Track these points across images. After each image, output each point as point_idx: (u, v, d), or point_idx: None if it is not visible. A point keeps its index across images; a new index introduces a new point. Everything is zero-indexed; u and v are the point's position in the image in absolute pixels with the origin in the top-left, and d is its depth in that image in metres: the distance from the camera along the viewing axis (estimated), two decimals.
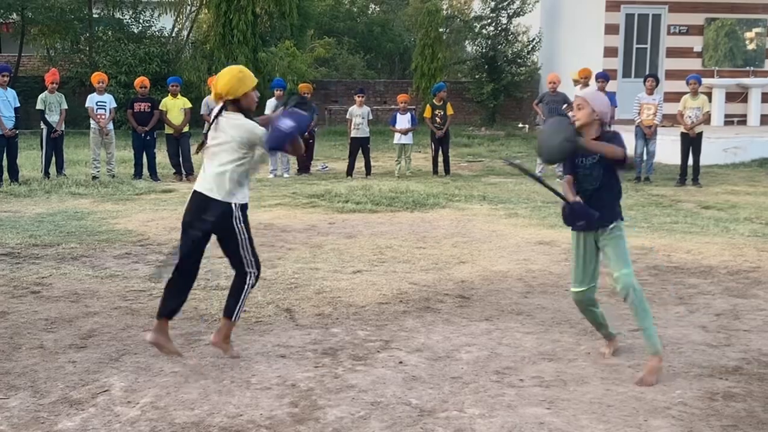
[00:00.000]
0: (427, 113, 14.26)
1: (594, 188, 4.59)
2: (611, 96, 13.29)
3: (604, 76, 13.53)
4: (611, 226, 4.59)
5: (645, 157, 13.15)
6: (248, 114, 4.56)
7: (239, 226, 4.58)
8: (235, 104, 4.51)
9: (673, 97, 15.95)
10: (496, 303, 6.03)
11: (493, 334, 5.28)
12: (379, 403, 4.14)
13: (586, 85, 13.69)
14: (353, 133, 13.95)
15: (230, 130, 4.49)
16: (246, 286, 4.69)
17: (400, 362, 4.76)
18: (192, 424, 3.87)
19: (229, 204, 4.53)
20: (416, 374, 4.56)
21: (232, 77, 4.49)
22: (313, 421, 3.91)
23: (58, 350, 4.94)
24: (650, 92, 13.13)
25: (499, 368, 4.65)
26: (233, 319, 4.72)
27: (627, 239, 4.68)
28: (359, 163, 13.91)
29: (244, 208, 4.61)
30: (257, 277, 4.75)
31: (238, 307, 4.70)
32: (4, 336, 5.20)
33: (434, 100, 14.31)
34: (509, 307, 5.93)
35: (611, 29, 19.30)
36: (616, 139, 4.50)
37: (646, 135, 13.01)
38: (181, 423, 3.88)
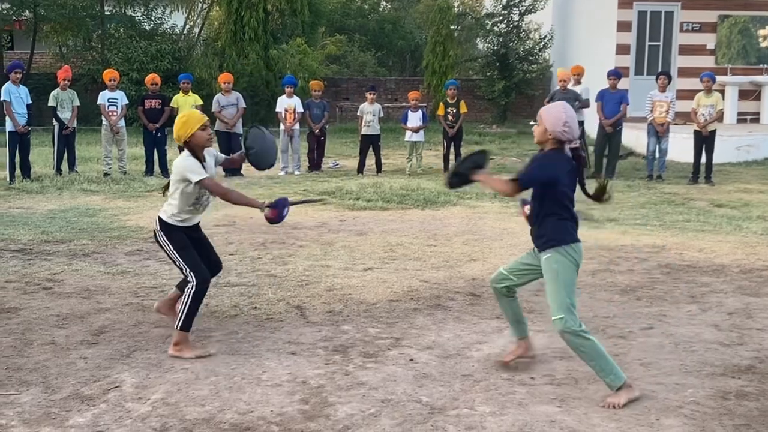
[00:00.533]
0: (440, 111, 14.23)
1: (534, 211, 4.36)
2: (623, 93, 13.27)
3: (616, 74, 13.47)
4: (545, 256, 4.23)
5: (657, 155, 13.09)
6: (200, 152, 4.92)
7: (161, 239, 4.97)
8: (187, 146, 4.91)
9: (686, 94, 15.88)
10: None
11: (504, 332, 5.26)
12: (390, 400, 4.14)
13: (578, 82, 13.66)
14: (364, 131, 13.93)
15: (174, 168, 4.98)
16: (187, 294, 4.84)
17: (411, 360, 4.75)
18: (203, 421, 3.87)
19: (158, 217, 5.00)
20: (427, 372, 4.55)
21: (177, 123, 4.93)
22: (323, 418, 3.90)
23: (69, 346, 4.96)
24: (663, 90, 13.07)
25: (510, 366, 4.63)
26: (177, 327, 4.82)
27: (567, 272, 4.15)
28: (370, 161, 13.90)
29: (168, 226, 4.95)
30: (198, 285, 4.82)
31: (179, 316, 4.82)
32: (16, 332, 5.22)
33: (447, 98, 14.26)
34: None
35: (623, 26, 19.21)
36: (532, 163, 4.27)
37: (659, 133, 12.95)
38: (191, 419, 3.89)
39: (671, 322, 5.52)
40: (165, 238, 4.94)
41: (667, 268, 7.03)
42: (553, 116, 4.22)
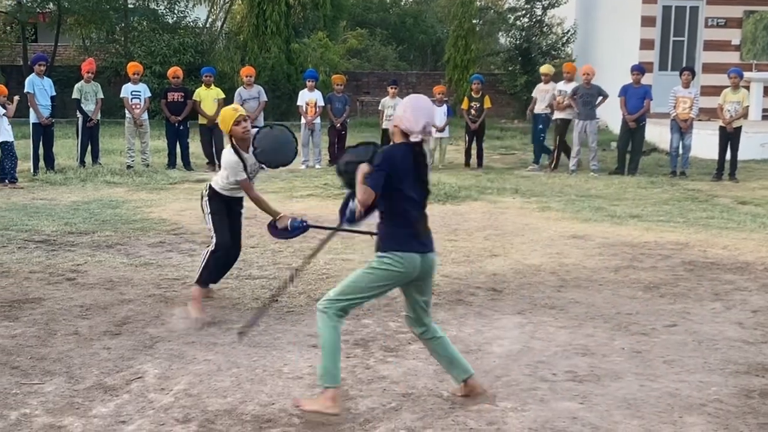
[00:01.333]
0: (465, 105, 14.17)
1: None
2: (647, 89, 13.15)
3: (639, 69, 13.35)
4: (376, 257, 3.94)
5: (681, 151, 12.97)
6: (240, 144, 5.46)
7: (203, 203, 5.60)
8: (230, 138, 5.49)
9: (711, 90, 15.71)
10: (528, 297, 5.99)
11: (525, 328, 5.25)
12: (411, 394, 4.13)
13: (570, 80, 13.56)
14: (385, 125, 13.90)
15: (222, 157, 5.64)
16: (204, 253, 5.59)
17: None
18: (225, 412, 3.89)
19: (209, 184, 5.66)
20: None
21: (219, 119, 5.59)
22: (344, 411, 3.90)
23: (92, 337, 5.00)
24: (686, 85, 12.95)
25: (531, 362, 4.62)
26: (196, 281, 5.55)
27: (376, 278, 3.85)
28: None
29: (214, 193, 5.56)
30: (216, 246, 5.49)
31: (198, 270, 5.56)
32: (40, 322, 5.26)
33: (472, 93, 14.20)
34: (542, 301, 5.89)
35: (648, 21, 19.04)
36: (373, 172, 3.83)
37: (682, 129, 12.83)
38: (213, 410, 3.90)
39: (695, 319, 5.48)
40: (207, 201, 5.56)
41: (690, 266, 6.97)
42: (401, 104, 3.96)
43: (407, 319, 4.13)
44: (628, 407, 3.99)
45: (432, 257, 3.94)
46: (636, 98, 12.99)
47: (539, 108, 14.03)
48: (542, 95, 13.99)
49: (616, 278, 6.53)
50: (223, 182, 5.53)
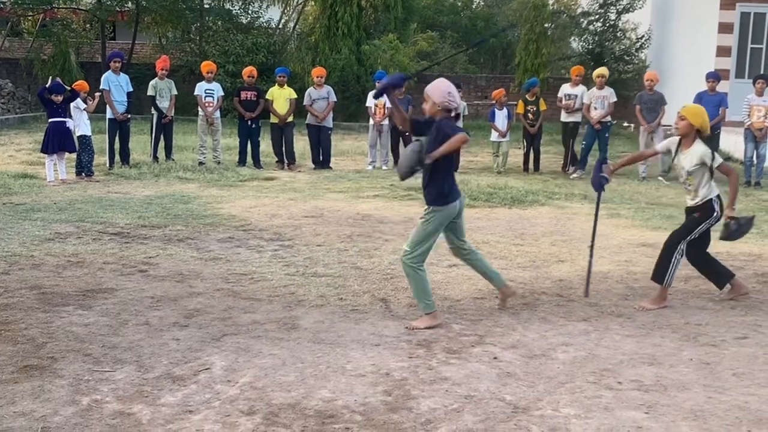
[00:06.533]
0: (520, 109, 14.04)
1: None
2: (722, 96, 12.84)
3: (715, 76, 13.06)
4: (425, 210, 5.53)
5: (755, 161, 12.64)
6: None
7: None
8: None
9: None
10: (595, 304, 5.92)
11: (591, 335, 5.19)
12: (473, 396, 4.13)
13: (577, 84, 13.39)
14: None
15: None
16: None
17: (495, 358, 4.73)
18: (288, 406, 3.94)
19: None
20: (511, 371, 4.52)
21: None
22: (406, 411, 3.92)
23: (162, 327, 5.12)
24: (760, 94, 12.61)
25: (596, 370, 4.57)
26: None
27: (431, 226, 5.56)
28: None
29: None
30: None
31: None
32: (112, 312, 5.42)
33: (527, 96, 14.08)
34: (609, 308, 5.82)
35: (725, 28, 18.60)
36: (442, 128, 5.11)
37: (757, 138, 12.51)
38: (278, 404, 3.97)
39: (766, 332, 5.34)
40: None
41: (763, 278, 6.80)
42: (434, 88, 5.17)
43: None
44: (695, 419, 3.92)
45: None
46: (711, 106, 12.66)
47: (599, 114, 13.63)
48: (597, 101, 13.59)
49: (686, 288, 6.40)
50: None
